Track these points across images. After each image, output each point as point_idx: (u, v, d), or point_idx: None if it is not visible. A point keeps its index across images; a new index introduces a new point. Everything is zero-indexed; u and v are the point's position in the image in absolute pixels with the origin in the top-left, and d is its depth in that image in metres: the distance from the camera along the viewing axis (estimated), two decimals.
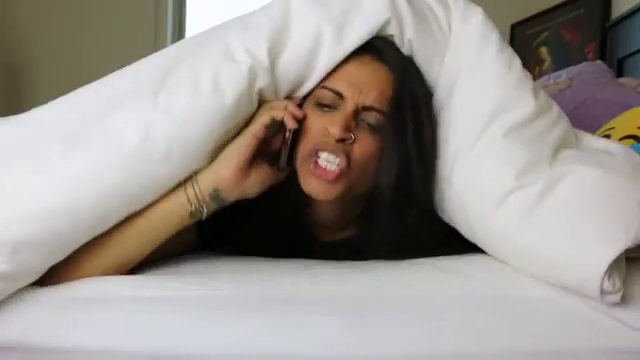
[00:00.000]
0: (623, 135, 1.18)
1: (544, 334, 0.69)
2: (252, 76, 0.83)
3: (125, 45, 2.87)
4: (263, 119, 0.85)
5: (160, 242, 0.85)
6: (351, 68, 0.88)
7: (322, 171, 0.85)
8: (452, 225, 0.88)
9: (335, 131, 0.84)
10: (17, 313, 0.74)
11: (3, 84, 2.92)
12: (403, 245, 0.88)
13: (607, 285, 0.68)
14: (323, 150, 0.85)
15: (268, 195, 0.89)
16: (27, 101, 2.92)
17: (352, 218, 0.97)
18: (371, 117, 0.87)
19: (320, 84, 0.89)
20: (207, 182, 0.83)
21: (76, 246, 0.79)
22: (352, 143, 0.86)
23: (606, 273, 0.68)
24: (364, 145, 0.86)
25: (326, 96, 0.88)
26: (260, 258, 0.93)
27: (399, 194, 0.86)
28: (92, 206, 0.77)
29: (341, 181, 0.85)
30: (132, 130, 0.79)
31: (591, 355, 0.68)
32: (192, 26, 3.09)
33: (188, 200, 0.83)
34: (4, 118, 0.89)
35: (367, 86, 0.87)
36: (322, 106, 0.88)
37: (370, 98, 0.86)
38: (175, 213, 0.83)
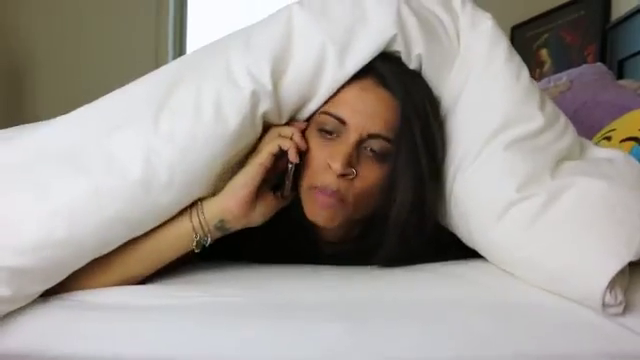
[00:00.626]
0: (624, 137, 1.18)
1: (546, 339, 0.69)
2: (255, 100, 0.81)
3: (126, 47, 2.88)
4: (270, 148, 0.83)
5: (163, 264, 0.84)
6: (353, 94, 0.84)
7: (324, 198, 0.83)
8: (454, 233, 0.88)
9: (337, 167, 0.81)
10: (26, 322, 0.74)
11: (5, 86, 2.92)
12: (407, 254, 0.88)
13: (609, 298, 0.68)
14: (325, 187, 0.83)
15: (273, 216, 0.88)
16: (29, 103, 2.93)
17: (356, 234, 0.95)
18: (376, 144, 0.84)
19: (322, 109, 0.86)
20: (213, 213, 0.82)
21: (75, 269, 0.78)
22: (354, 177, 0.83)
23: (608, 287, 0.67)
24: (366, 177, 0.84)
25: (329, 122, 0.85)
26: (261, 265, 0.92)
27: (413, 217, 0.84)
28: (93, 234, 0.77)
29: (343, 208, 0.84)
30: (134, 158, 0.78)
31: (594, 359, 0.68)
32: (193, 25, 3.09)
33: (193, 229, 0.82)
34: (5, 134, 0.88)
35: (372, 115, 0.83)
36: (325, 132, 0.85)
37: (375, 127, 0.83)
38: (179, 240, 0.83)
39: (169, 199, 0.80)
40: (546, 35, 2.65)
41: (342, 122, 0.84)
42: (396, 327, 0.70)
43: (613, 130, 1.24)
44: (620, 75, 2.11)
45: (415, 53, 0.86)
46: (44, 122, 0.91)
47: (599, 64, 1.80)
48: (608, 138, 1.20)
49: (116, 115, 0.83)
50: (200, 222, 0.82)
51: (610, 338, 0.68)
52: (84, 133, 0.82)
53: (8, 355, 0.71)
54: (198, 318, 0.73)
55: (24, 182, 0.78)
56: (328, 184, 0.83)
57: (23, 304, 0.75)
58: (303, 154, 0.85)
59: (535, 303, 0.73)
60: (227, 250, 0.95)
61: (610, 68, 1.81)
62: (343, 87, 0.85)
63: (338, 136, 0.85)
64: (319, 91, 0.85)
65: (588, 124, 1.34)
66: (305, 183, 0.86)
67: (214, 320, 0.72)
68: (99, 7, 2.92)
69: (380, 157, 0.84)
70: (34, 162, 0.80)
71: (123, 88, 0.89)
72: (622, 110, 1.34)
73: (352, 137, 0.83)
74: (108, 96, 0.88)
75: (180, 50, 3.03)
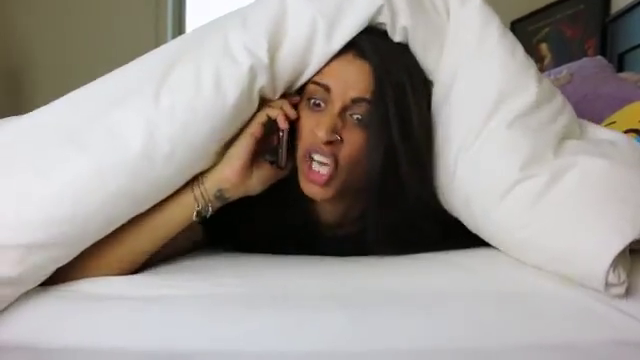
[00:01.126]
0: (625, 129, 1.18)
1: (551, 328, 0.69)
2: (252, 75, 0.83)
3: (125, 48, 2.87)
4: (259, 118, 0.87)
5: (166, 240, 0.86)
6: (337, 65, 0.88)
7: (315, 175, 0.87)
8: (457, 217, 0.88)
9: (322, 135, 0.85)
10: (23, 313, 0.74)
11: (4, 86, 2.93)
12: (404, 238, 0.89)
13: (612, 277, 0.68)
14: (315, 152, 0.86)
15: (271, 194, 0.90)
16: (28, 103, 2.92)
17: (355, 215, 0.97)
18: (359, 109, 0.87)
19: (310, 79, 0.90)
20: (212, 183, 0.85)
21: (84, 247, 0.79)
22: (340, 143, 0.86)
23: (611, 266, 0.67)
24: (352, 142, 0.87)
25: (316, 91, 0.89)
26: (263, 255, 0.93)
27: (387, 180, 0.86)
28: (98, 210, 0.77)
29: (333, 182, 0.87)
30: (135, 133, 0.79)
31: (598, 348, 0.68)
32: (191, 24, 3.09)
33: (195, 199, 0.85)
34: (5, 119, 0.89)
35: (353, 82, 0.87)
36: (313, 104, 0.89)
37: (356, 91, 0.86)
38: (182, 212, 0.85)
39: (171, 172, 0.81)
40: (546, 29, 2.65)
41: (327, 89, 0.88)
42: (399, 316, 0.71)
43: (614, 122, 1.25)
44: (620, 68, 2.11)
45: (400, 25, 0.89)
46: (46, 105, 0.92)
47: (599, 57, 1.80)
48: None
49: (116, 93, 0.85)
50: (201, 192, 0.85)
51: (615, 326, 0.69)
52: (86, 112, 0.84)
53: (5, 347, 0.72)
54: (199, 309, 0.73)
55: (27, 160, 0.79)
56: (315, 147, 0.86)
57: (30, 287, 0.75)
58: (295, 125, 0.89)
59: (540, 292, 0.73)
60: (228, 239, 0.97)
61: (610, 61, 1.81)
62: (329, 60, 0.88)
63: (325, 106, 0.88)
64: (310, 64, 0.88)
65: (589, 117, 1.33)
66: (299, 152, 0.89)
67: (216, 311, 0.73)
68: (98, 9, 2.92)
69: (363, 123, 0.87)
70: (36, 141, 0.81)
71: (122, 67, 0.91)
72: (623, 102, 1.34)
73: (336, 105, 0.87)
74: (107, 75, 0.90)
75: None
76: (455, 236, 0.88)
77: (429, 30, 0.89)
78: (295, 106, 0.90)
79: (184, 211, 0.85)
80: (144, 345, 0.70)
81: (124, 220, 0.81)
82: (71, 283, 0.79)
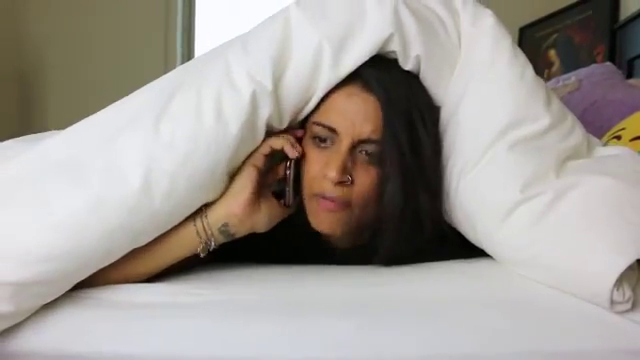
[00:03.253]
0: (634, 136, 1.17)
1: (559, 336, 0.69)
2: (255, 102, 0.81)
3: (135, 52, 2.90)
4: (262, 149, 0.84)
5: (166, 266, 0.85)
6: (341, 100, 0.85)
7: (326, 204, 0.84)
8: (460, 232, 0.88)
9: (332, 175, 0.83)
10: (42, 322, 0.76)
11: (16, 90, 2.95)
12: (409, 256, 0.88)
13: (616, 296, 0.68)
14: (323, 195, 0.85)
15: (279, 226, 0.89)
16: (39, 107, 2.95)
17: (366, 236, 0.94)
18: (369, 147, 0.85)
19: (313, 119, 0.88)
20: (217, 217, 0.83)
21: (81, 279, 0.79)
22: (351, 184, 0.85)
23: (615, 285, 0.67)
24: (364, 181, 0.85)
25: (321, 132, 0.86)
26: (273, 264, 0.93)
27: (408, 219, 0.85)
28: (96, 245, 0.77)
29: (345, 213, 0.85)
30: (134, 167, 0.78)
31: (608, 357, 0.68)
32: (201, 29, 3.10)
33: (197, 233, 0.83)
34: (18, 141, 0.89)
35: (360, 120, 0.84)
36: (319, 141, 0.87)
37: (365, 131, 0.84)
38: (183, 245, 0.84)
39: (171, 207, 0.79)
40: (555, 35, 2.64)
41: (333, 131, 0.85)
42: (407, 324, 0.71)
43: (623, 129, 1.24)
44: (630, 75, 2.10)
45: (414, 54, 0.86)
46: (49, 133, 0.92)
47: (608, 63, 1.79)
48: (618, 137, 1.20)
49: (116, 125, 0.83)
50: (203, 226, 0.83)
51: (622, 334, 0.68)
52: (86, 145, 0.82)
53: (26, 354, 0.73)
54: (209, 316, 0.73)
55: (25, 196, 0.78)
56: (326, 192, 0.84)
57: (25, 317, 0.75)
58: (301, 163, 0.87)
59: (548, 300, 0.73)
60: (238, 252, 0.95)
61: (619, 68, 1.80)
62: (331, 93, 0.86)
63: (332, 144, 0.86)
64: (316, 90, 0.86)
65: (598, 123, 1.34)
66: (306, 192, 0.87)
67: (226, 318, 0.73)
68: (108, 12, 2.94)
69: (374, 159, 0.85)
70: (35, 175, 0.81)
71: (124, 99, 0.89)
72: (632, 109, 1.33)
73: (344, 144, 0.84)
74: (109, 107, 0.89)
75: (189, 53, 3.05)
76: (453, 245, 0.88)
77: (442, 57, 0.87)
78: (299, 140, 0.88)
79: (185, 244, 0.83)
80: (157, 352, 0.71)
81: (121, 254, 0.80)
82: (89, 290, 0.79)
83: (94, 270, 0.79)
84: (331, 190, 0.84)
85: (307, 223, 0.88)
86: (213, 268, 0.90)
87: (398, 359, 0.68)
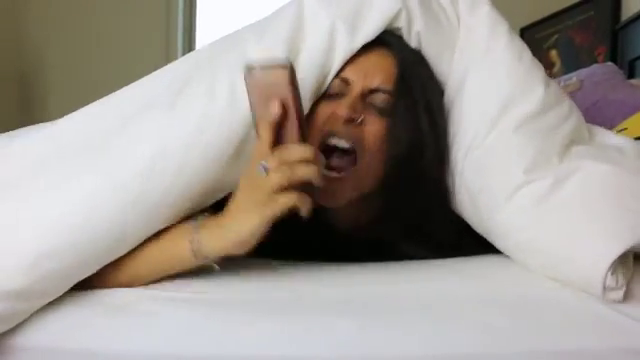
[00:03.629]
0: (636, 136, 1.17)
1: (561, 334, 0.69)
2: None
3: (135, 51, 2.90)
4: (280, 206, 0.71)
5: (168, 274, 0.82)
6: (358, 58, 0.87)
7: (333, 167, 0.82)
8: (465, 219, 0.88)
9: (342, 112, 0.82)
10: (40, 320, 0.75)
11: (17, 90, 2.95)
12: (421, 239, 0.88)
13: (610, 281, 0.68)
14: (333, 136, 0.83)
15: None
16: (39, 107, 2.95)
17: (369, 220, 0.93)
18: (378, 99, 0.86)
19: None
20: (212, 250, 0.76)
21: (96, 266, 0.77)
22: (361, 125, 0.84)
23: (609, 270, 0.68)
24: (374, 126, 0.84)
25: (334, 85, 0.86)
26: (275, 260, 0.92)
27: (410, 171, 0.85)
28: (109, 221, 0.76)
29: (349, 183, 0.84)
30: (148, 142, 0.78)
31: (609, 355, 0.68)
32: (202, 26, 3.11)
33: (193, 255, 0.77)
34: (24, 129, 0.89)
35: (372, 69, 0.86)
36: (331, 96, 0.87)
37: (376, 80, 0.86)
38: (177, 261, 0.79)
39: (183, 182, 0.77)
40: (556, 36, 2.65)
41: (346, 82, 0.86)
42: (410, 323, 0.71)
43: (625, 129, 1.24)
44: (631, 75, 2.10)
45: (415, 30, 0.89)
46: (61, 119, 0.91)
47: (609, 64, 1.80)
48: None
49: (132, 108, 0.83)
50: (195, 253, 0.76)
51: (625, 333, 0.68)
52: (101, 126, 0.83)
53: (24, 349, 0.73)
54: (211, 315, 0.73)
55: (42, 171, 0.79)
56: (336, 130, 0.83)
57: (38, 307, 0.75)
58: (310, 121, 0.84)
59: (551, 298, 0.73)
60: None
61: (621, 68, 1.81)
62: (352, 57, 0.87)
63: (344, 95, 0.86)
64: (333, 63, 0.86)
65: (599, 123, 1.32)
66: (312, 144, 0.80)
67: (226, 315, 0.73)
68: (109, 13, 2.94)
69: (384, 112, 0.85)
70: (52, 154, 0.81)
71: (138, 82, 0.90)
72: (634, 109, 1.33)
73: (355, 90, 0.85)
74: (122, 90, 0.89)
75: (190, 52, 3.05)
76: (469, 244, 0.88)
77: (440, 36, 0.90)
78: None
79: (180, 262, 0.79)
80: (155, 350, 0.71)
81: (133, 238, 0.78)
82: (91, 291, 0.79)
83: (107, 253, 0.77)
84: (341, 129, 0.83)
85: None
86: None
87: (399, 358, 0.68)
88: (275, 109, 0.70)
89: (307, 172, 0.70)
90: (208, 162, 0.79)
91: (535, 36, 2.72)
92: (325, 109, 0.86)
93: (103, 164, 0.78)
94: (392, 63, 0.87)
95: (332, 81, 0.87)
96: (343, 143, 0.83)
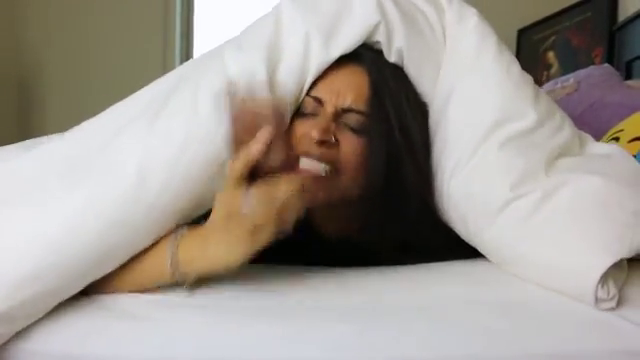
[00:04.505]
0: (632, 137, 1.17)
1: (559, 337, 0.69)
2: (251, 93, 0.78)
3: (133, 57, 2.90)
4: (266, 238, 0.72)
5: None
6: (329, 72, 0.86)
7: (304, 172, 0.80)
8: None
9: (315, 134, 0.82)
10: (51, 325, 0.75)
11: (15, 95, 2.95)
12: (410, 248, 0.88)
13: (601, 293, 0.69)
14: (305, 156, 0.82)
15: None
16: (38, 113, 2.95)
17: (357, 227, 0.92)
18: (352, 119, 0.85)
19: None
20: (193, 268, 0.75)
21: (81, 285, 0.76)
22: (335, 146, 0.84)
23: (599, 283, 0.68)
24: (349, 146, 0.84)
25: (307, 104, 0.86)
26: (268, 265, 0.92)
27: (391, 190, 0.85)
28: (93, 240, 0.74)
29: (328, 186, 0.83)
30: (130, 158, 0.77)
31: (607, 358, 0.68)
32: (200, 34, 3.11)
33: (172, 273, 0.76)
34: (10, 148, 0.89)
35: (344, 88, 0.85)
36: (305, 115, 0.86)
37: (348, 100, 0.85)
38: (158, 277, 0.78)
39: (167, 199, 0.77)
40: (553, 38, 2.65)
41: (318, 101, 0.86)
42: (404, 326, 0.71)
43: (621, 131, 1.24)
44: (628, 76, 2.10)
45: (396, 46, 0.87)
46: (46, 138, 0.92)
47: (606, 65, 1.79)
48: (616, 139, 1.20)
49: (117, 125, 0.83)
50: (175, 272, 0.76)
51: (622, 336, 0.68)
52: (86, 146, 0.83)
53: (33, 353, 0.73)
54: (211, 319, 0.73)
55: (26, 193, 0.78)
56: (309, 151, 0.82)
57: (19, 328, 0.73)
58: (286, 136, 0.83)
59: (547, 302, 0.73)
60: None
61: (618, 70, 1.81)
62: (325, 72, 0.86)
63: (317, 115, 0.85)
64: (308, 77, 0.86)
65: (596, 125, 1.34)
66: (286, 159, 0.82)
67: (221, 319, 0.73)
68: (107, 16, 2.95)
69: (358, 131, 0.85)
70: (36, 175, 0.81)
71: (124, 100, 0.90)
72: (630, 110, 1.33)
73: (328, 111, 0.84)
74: (109, 109, 0.90)
75: (187, 57, 3.05)
76: (459, 248, 0.88)
77: (424, 51, 0.88)
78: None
79: (161, 277, 0.77)
80: (148, 354, 0.70)
81: (115, 258, 0.77)
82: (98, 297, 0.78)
83: (91, 273, 0.76)
84: (315, 151, 0.82)
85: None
86: None
87: None
88: (255, 149, 0.71)
89: (291, 206, 0.71)
90: (193, 178, 0.78)
91: (532, 38, 2.72)
92: (300, 128, 0.85)
93: (86, 184, 0.77)
94: (365, 81, 0.86)
95: (305, 99, 0.86)
96: (316, 165, 0.82)
